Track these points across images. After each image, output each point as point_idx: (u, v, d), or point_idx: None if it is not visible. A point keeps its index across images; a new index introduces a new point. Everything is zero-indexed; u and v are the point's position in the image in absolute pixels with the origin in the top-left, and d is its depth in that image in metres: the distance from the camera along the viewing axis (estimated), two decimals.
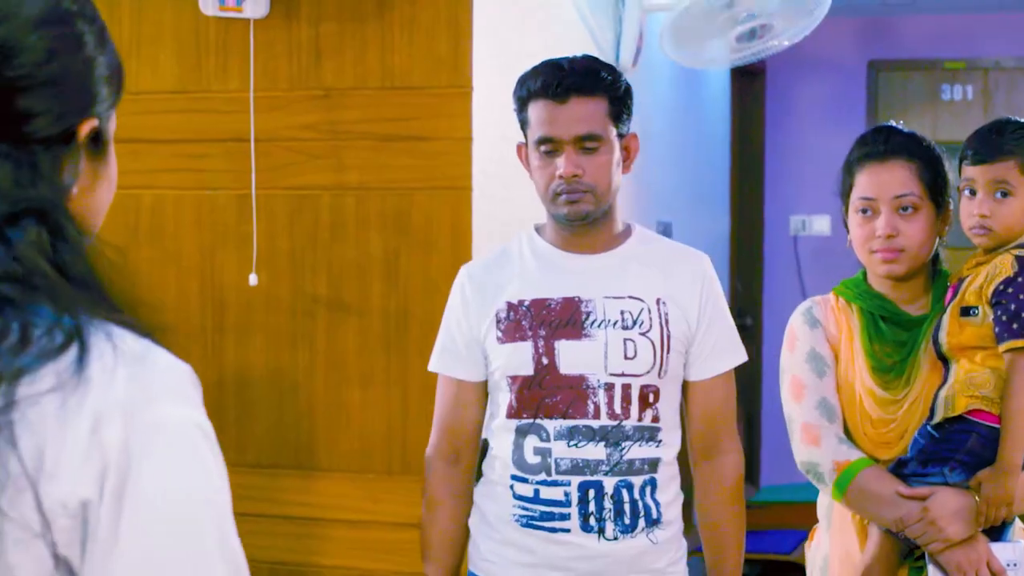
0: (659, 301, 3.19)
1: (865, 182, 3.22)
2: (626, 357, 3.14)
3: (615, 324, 3.16)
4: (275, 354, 4.30)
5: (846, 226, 3.32)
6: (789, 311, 3.40)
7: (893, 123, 3.32)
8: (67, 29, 1.46)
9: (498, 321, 3.21)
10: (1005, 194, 3.10)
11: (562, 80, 3.13)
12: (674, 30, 5.26)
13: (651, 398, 3.16)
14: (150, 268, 4.39)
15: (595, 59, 3.22)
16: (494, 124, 4.21)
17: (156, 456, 1.33)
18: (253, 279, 4.23)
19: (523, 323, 3.18)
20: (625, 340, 3.15)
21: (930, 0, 8.55)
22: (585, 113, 3.12)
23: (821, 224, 8.98)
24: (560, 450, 3.14)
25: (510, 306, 3.21)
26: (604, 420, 3.13)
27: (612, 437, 3.13)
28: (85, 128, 1.48)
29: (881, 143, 3.23)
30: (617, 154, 3.18)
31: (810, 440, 3.21)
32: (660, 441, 3.18)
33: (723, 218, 8.40)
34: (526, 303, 3.20)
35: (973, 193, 3.14)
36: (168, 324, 1.52)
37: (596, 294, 3.18)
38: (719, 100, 8.28)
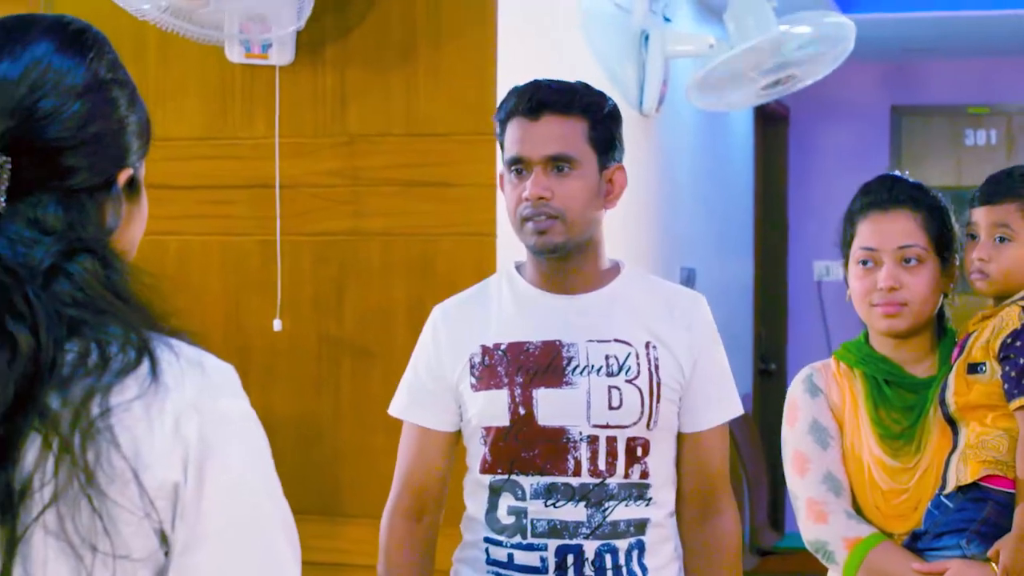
0: (648, 345, 2.91)
1: (867, 232, 3.05)
2: (611, 407, 2.86)
3: (599, 370, 2.88)
4: (300, 399, 4.31)
5: (846, 280, 3.12)
6: (813, 356, 3.37)
7: (898, 172, 3.21)
8: (104, 95, 1.71)
9: (472, 366, 2.93)
10: (1004, 239, 2.97)
11: (534, 95, 2.89)
12: (702, 84, 5.28)
13: (639, 452, 2.88)
14: (176, 314, 4.39)
15: (583, 83, 3.00)
16: None
17: (225, 442, 1.62)
18: (277, 324, 4.24)
19: (499, 369, 2.90)
20: (610, 388, 2.87)
21: (953, 45, 8.56)
22: (558, 132, 2.86)
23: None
24: (536, 510, 2.86)
25: (485, 350, 2.93)
26: (585, 477, 2.84)
27: (594, 497, 2.85)
28: (122, 177, 1.75)
29: (885, 192, 3.08)
30: (595, 183, 2.89)
31: (817, 517, 3.01)
32: (650, 499, 2.90)
33: (747, 264, 8.40)
34: (503, 347, 2.92)
35: (974, 237, 3.02)
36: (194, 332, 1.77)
37: (579, 338, 2.90)
38: (743, 146, 8.28)
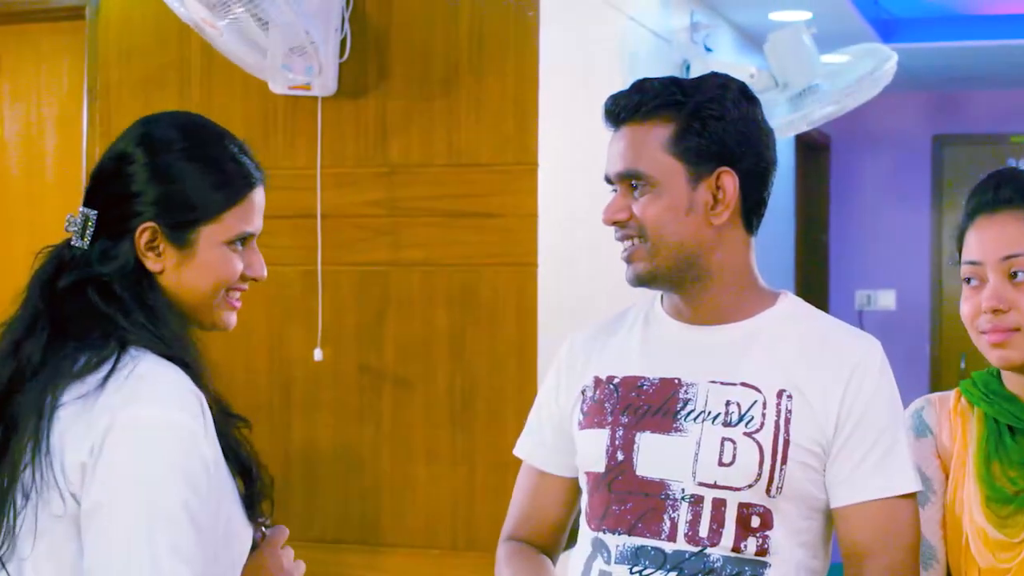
0: (782, 394, 2.36)
1: (973, 242, 2.43)
2: (721, 463, 2.34)
3: (715, 418, 2.37)
4: (341, 429, 4.31)
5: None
6: None
7: (1015, 163, 2.66)
8: (119, 170, 2.18)
9: (583, 400, 2.51)
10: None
11: (613, 102, 2.50)
12: None
13: (755, 522, 2.34)
14: (219, 343, 4.40)
15: (674, 78, 2.50)
16: (560, 201, 4.22)
17: (119, 443, 2.01)
18: (318, 354, 4.25)
19: (606, 405, 2.46)
20: (723, 440, 2.35)
21: (995, 74, 8.53)
22: (631, 143, 2.44)
23: (887, 299, 8.94)
24: None
25: (597, 383, 2.50)
26: (681, 544, 2.34)
27: (689, 569, 2.34)
28: (140, 232, 2.15)
29: (991, 191, 2.43)
30: (685, 198, 2.40)
31: None
32: None
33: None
34: (616, 380, 2.47)
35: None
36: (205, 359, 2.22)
37: (701, 377, 2.41)
38: (783, 174, 8.26)
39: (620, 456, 2.41)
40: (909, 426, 2.51)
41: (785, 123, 5.54)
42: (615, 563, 2.38)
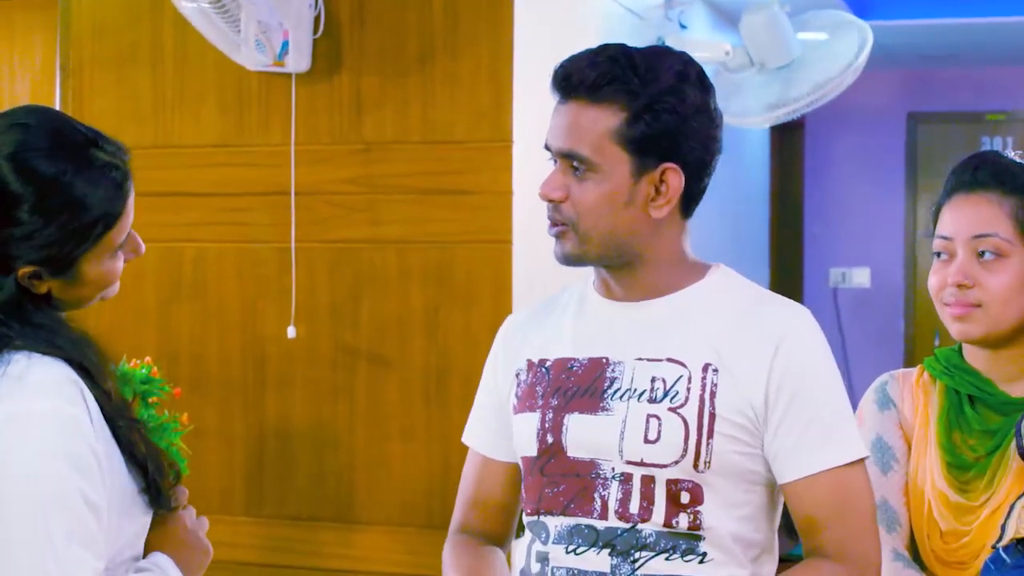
0: (707, 368, 2.32)
1: (947, 219, 2.53)
2: (647, 440, 2.31)
3: (641, 395, 2.33)
4: (315, 407, 4.31)
5: None
6: None
7: (1000, 149, 2.73)
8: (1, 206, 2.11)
9: (517, 384, 2.48)
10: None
11: (567, 69, 2.36)
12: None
13: (684, 498, 2.30)
14: (192, 320, 4.41)
15: (631, 55, 2.35)
16: (535, 178, 4.19)
17: (2, 425, 2.02)
18: (292, 331, 4.24)
19: (537, 388, 2.43)
20: (648, 417, 2.31)
21: (970, 52, 8.54)
22: (577, 122, 2.33)
23: (861, 276, 8.96)
24: (557, 556, 2.36)
25: (530, 366, 2.46)
26: (612, 521, 2.32)
27: (621, 544, 2.31)
28: (22, 273, 2.12)
29: (969, 172, 2.54)
30: (625, 190, 2.32)
31: None
32: (703, 557, 2.31)
33: (763, 271, 8.39)
34: (548, 363, 2.44)
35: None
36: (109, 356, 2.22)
37: (627, 355, 2.37)
38: (758, 153, 8.28)
39: (550, 439, 2.38)
40: (874, 399, 2.62)
41: (766, 111, 5.53)
42: (552, 543, 2.37)
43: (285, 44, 4.11)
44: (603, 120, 2.31)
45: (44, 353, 2.09)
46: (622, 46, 2.37)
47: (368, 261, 4.25)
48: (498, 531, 2.58)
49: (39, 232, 2.10)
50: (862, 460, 2.34)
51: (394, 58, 4.21)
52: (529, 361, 2.47)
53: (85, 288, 2.19)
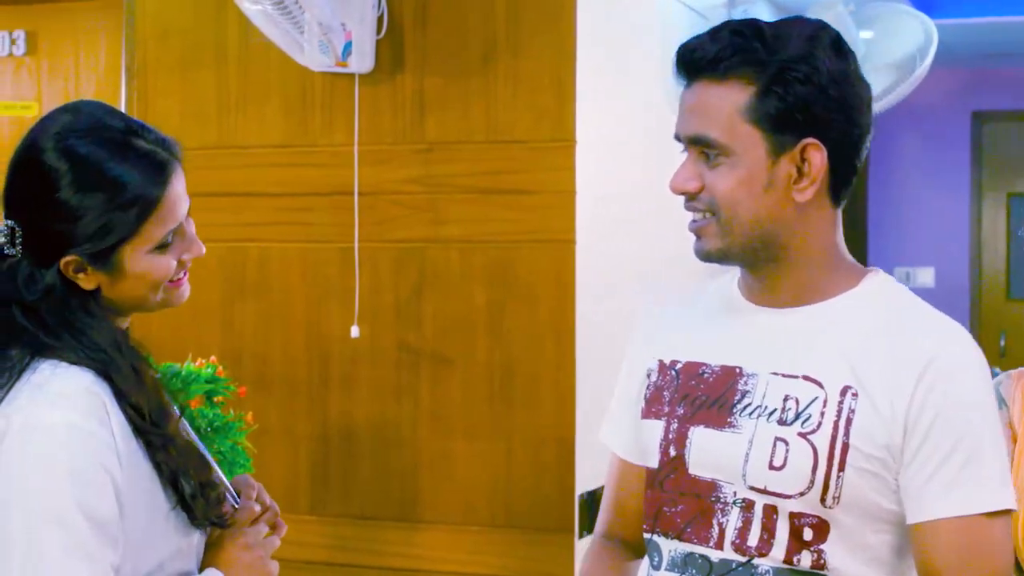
0: (846, 391, 2.08)
1: None
2: (772, 466, 2.09)
3: (771, 414, 2.12)
4: (379, 406, 4.32)
5: None
6: None
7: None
8: (43, 195, 2.14)
9: (647, 385, 2.30)
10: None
11: (687, 50, 2.16)
12: None
13: (807, 534, 2.08)
14: (256, 320, 4.43)
15: (758, 26, 2.15)
16: (597, 177, 4.21)
17: (12, 443, 2.04)
18: (355, 331, 4.25)
19: (664, 394, 2.25)
20: (776, 440, 2.10)
21: None
22: (704, 104, 2.13)
23: (925, 276, 8.90)
24: None
25: (661, 367, 2.29)
26: (728, 552, 2.12)
27: None
28: (64, 263, 2.14)
29: None
30: (764, 172, 2.12)
31: None
32: None
33: None
34: (679, 365, 2.26)
35: None
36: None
37: (763, 367, 2.16)
38: None
39: (673, 452, 2.20)
40: None
41: None
42: (664, 570, 2.21)
43: (348, 45, 4.12)
44: (730, 97, 2.10)
45: (72, 362, 2.10)
46: (738, 21, 2.17)
47: (431, 261, 4.26)
48: (639, 538, 2.34)
49: (76, 211, 2.11)
50: (1005, 512, 2.07)
51: (456, 58, 4.22)
52: (660, 362, 2.29)
53: (130, 284, 2.18)
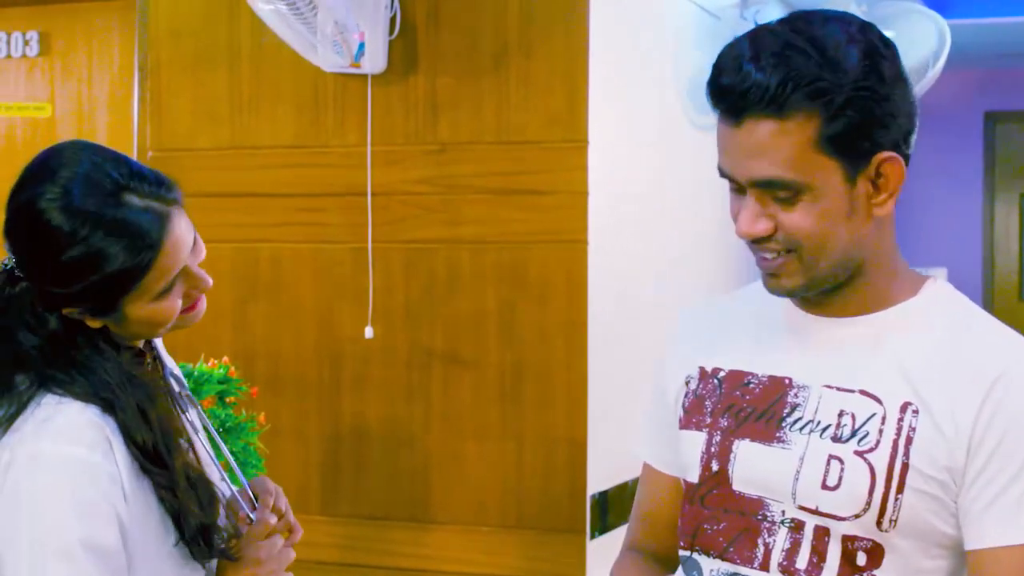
0: (906, 408, 1.96)
1: None
2: (825, 485, 1.97)
3: (825, 430, 1.99)
4: (390, 407, 4.32)
5: None
6: None
7: None
8: (49, 251, 2.12)
9: (686, 393, 2.18)
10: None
11: (731, 86, 1.92)
12: None
13: (861, 559, 1.96)
14: (268, 320, 4.43)
15: (805, 35, 1.92)
16: (610, 178, 4.21)
17: (16, 476, 2.04)
18: (369, 332, 4.26)
19: (706, 403, 2.13)
20: (830, 458, 1.97)
21: None
22: (764, 145, 1.92)
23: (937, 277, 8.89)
24: None
25: (702, 374, 2.17)
26: (774, 574, 2.01)
27: None
28: (66, 312, 2.14)
29: None
30: (845, 200, 1.96)
31: None
32: None
33: None
34: (721, 374, 2.14)
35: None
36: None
37: (815, 380, 2.03)
38: None
39: (715, 466, 2.07)
40: None
41: None
42: None
43: (361, 46, 4.12)
44: (797, 133, 1.91)
45: (76, 397, 2.10)
46: (778, 32, 1.95)
47: (443, 261, 4.26)
48: (669, 552, 2.23)
49: (66, 282, 2.10)
50: None
51: (469, 59, 4.22)
52: (702, 369, 2.17)
53: (136, 327, 2.19)
